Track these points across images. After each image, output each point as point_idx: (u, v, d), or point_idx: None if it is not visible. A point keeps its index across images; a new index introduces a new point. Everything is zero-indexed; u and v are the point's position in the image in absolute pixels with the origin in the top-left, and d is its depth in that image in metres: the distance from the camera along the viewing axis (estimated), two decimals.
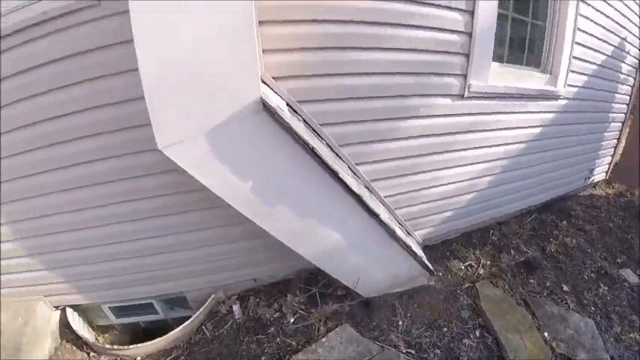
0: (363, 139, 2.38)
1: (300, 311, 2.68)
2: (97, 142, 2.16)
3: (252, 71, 1.71)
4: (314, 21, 2.05)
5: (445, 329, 2.63)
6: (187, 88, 1.66)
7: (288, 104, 2.07)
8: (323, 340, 2.53)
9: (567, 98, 3.29)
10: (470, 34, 2.48)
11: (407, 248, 2.48)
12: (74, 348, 2.84)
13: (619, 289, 3.18)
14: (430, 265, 2.72)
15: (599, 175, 4.46)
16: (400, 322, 2.61)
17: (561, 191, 3.79)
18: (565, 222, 3.61)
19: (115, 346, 2.77)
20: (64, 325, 2.91)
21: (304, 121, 2.14)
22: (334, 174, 2.04)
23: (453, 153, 2.69)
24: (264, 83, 1.95)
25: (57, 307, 2.90)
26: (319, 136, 2.21)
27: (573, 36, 3.08)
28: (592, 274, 3.25)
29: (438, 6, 2.33)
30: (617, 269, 3.34)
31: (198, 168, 1.82)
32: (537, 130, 3.15)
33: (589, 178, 4.19)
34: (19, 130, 2.16)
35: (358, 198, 2.17)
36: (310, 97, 2.18)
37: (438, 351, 2.54)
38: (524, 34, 3.09)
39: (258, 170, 1.93)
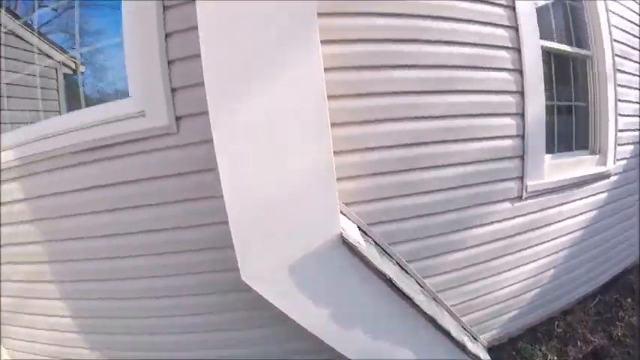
0: (429, 253, 2.38)
1: None
2: (180, 259, 2.23)
3: (333, 209, 1.82)
4: (385, 147, 2.16)
5: None
6: (272, 222, 1.76)
7: (359, 227, 2.14)
8: None
9: (618, 173, 3.23)
10: (522, 137, 2.51)
11: (476, 358, 2.41)
12: None
13: None
14: None
15: None
16: None
17: (622, 267, 3.66)
18: (629, 299, 3.45)
19: None
20: None
21: (374, 242, 2.19)
22: (408, 299, 2.06)
23: (514, 254, 2.64)
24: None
25: None
26: (389, 255, 2.24)
27: (615, 108, 3.07)
28: None
29: (490, 115, 2.39)
30: None
31: (280, 298, 1.88)
32: (593, 213, 3.08)
33: None
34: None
35: (431, 319, 2.16)
36: (380, 219, 2.22)
37: None
38: (570, 118, 3.10)
39: (335, 300, 1.97)
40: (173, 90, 1.99)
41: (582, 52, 3.00)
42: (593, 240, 3.14)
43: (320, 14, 1.71)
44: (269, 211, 1.74)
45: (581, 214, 2.97)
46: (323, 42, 1.71)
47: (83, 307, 2.49)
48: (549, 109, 2.74)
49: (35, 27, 2.44)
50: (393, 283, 1.97)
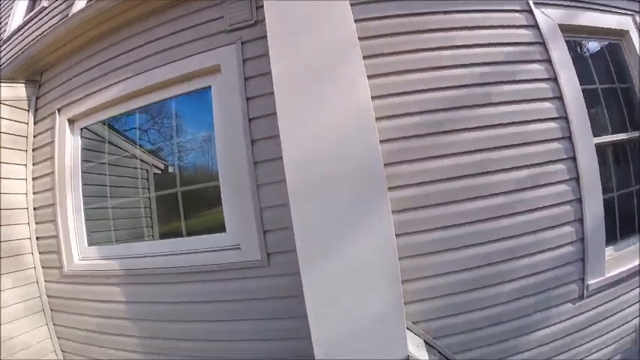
0: (493, 358, 2.57)
1: None
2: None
3: (402, 339, 2.09)
4: (447, 273, 2.42)
5: None
6: (348, 349, 2.07)
7: (425, 341, 2.39)
8: None
9: None
10: (582, 240, 2.64)
11: None
12: None
13: None
14: None
15: None
16: None
17: None
18: None
19: None
20: None
21: (438, 352, 2.42)
22: None
23: (576, 349, 2.76)
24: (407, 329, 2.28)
25: None
26: None
27: None
28: None
29: (550, 227, 2.55)
30: None
31: None
32: None
33: None
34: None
35: None
36: (444, 333, 2.47)
37: None
38: (632, 203, 3.13)
39: None
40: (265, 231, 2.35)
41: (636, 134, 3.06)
42: None
43: None
44: (346, 340, 2.05)
45: None
46: None
47: None
48: (611, 200, 2.86)
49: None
50: None
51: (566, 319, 2.68)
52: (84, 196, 3.11)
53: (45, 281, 3.22)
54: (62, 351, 3.24)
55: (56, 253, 3.13)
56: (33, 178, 3.28)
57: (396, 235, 2.01)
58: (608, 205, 2.79)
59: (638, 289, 2.96)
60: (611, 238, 2.90)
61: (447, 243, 2.39)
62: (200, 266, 2.54)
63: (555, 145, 2.56)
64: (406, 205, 2.36)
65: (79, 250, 3.08)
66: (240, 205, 2.40)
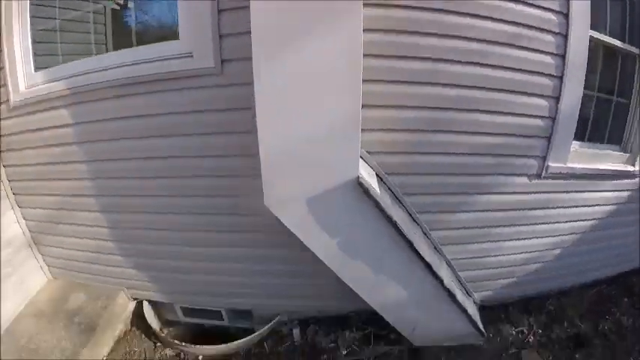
0: (440, 209, 2.63)
1: (353, 346, 2.96)
2: (205, 182, 2.62)
3: (354, 156, 2.08)
4: (409, 107, 2.36)
5: None
6: (298, 159, 2.06)
7: (377, 175, 2.41)
8: None
9: None
10: (553, 119, 2.61)
11: (464, 311, 2.69)
12: (143, 336, 3.25)
13: None
14: (482, 327, 2.89)
15: None
16: None
17: (628, 267, 3.78)
18: (626, 299, 3.59)
19: (183, 343, 3.14)
20: (137, 315, 3.34)
21: (389, 189, 2.44)
22: (410, 243, 2.31)
23: (522, 227, 2.84)
24: (361, 157, 2.26)
25: (135, 299, 3.35)
26: (401, 203, 2.49)
27: None
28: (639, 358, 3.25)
29: (523, 93, 2.50)
30: None
31: (297, 226, 2.23)
32: (610, 207, 3.18)
33: None
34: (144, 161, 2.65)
35: (428, 265, 2.41)
36: (397, 171, 2.48)
37: None
38: (608, 111, 3.15)
39: (344, 232, 2.29)
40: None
41: (633, 49, 3.03)
42: (604, 233, 3.26)
43: None
44: (296, 149, 2.03)
45: (597, 205, 3.08)
46: (365, 4, 1.90)
47: (117, 219, 2.94)
48: (589, 98, 2.84)
49: None
50: (398, 227, 2.23)
51: (519, 193, 2.72)
52: (32, 16, 2.79)
53: None
54: (14, 194, 3.13)
55: (3, 87, 2.83)
56: None
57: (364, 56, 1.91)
58: (586, 100, 2.78)
59: (593, 192, 3.02)
60: (581, 136, 2.92)
61: (415, 75, 2.31)
62: (149, 76, 2.39)
63: (550, 16, 2.47)
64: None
65: (25, 78, 2.79)
66: (195, 8, 2.22)
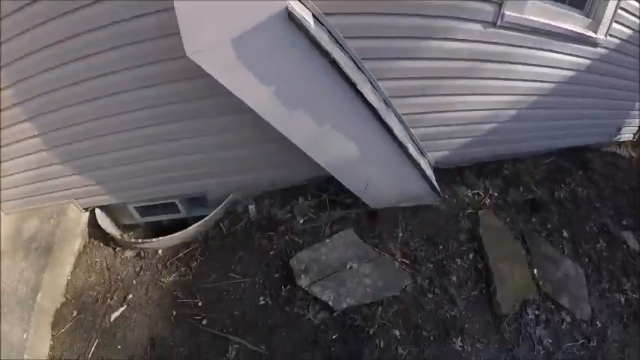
0: (387, 55, 2.45)
1: (310, 214, 2.92)
2: (120, 53, 2.27)
3: None
4: None
5: (441, 247, 2.82)
6: None
7: (314, 15, 2.16)
8: (327, 240, 2.77)
9: (607, 48, 3.16)
10: None
11: (417, 166, 2.62)
12: (101, 245, 3.14)
13: (617, 249, 3.25)
14: (438, 187, 2.86)
15: (627, 135, 4.37)
16: (400, 234, 2.81)
17: (584, 141, 3.78)
18: (581, 172, 3.64)
19: (140, 240, 3.06)
20: (93, 225, 3.20)
21: (329, 32, 2.22)
22: (353, 85, 2.14)
23: (477, 80, 2.71)
24: None
25: (86, 209, 3.18)
26: (343, 48, 2.29)
27: None
28: (594, 228, 3.32)
29: None
30: (620, 230, 3.38)
31: (223, 73, 1.96)
32: (569, 73, 3.09)
33: (615, 135, 4.13)
34: (52, 47, 2.29)
35: (374, 110, 2.28)
36: (337, 10, 2.23)
37: (430, 265, 2.75)
38: None
39: (280, 76, 2.07)
40: None
41: None
42: (561, 100, 3.20)
43: None
44: None
45: (555, 67, 2.99)
46: None
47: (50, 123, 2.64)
48: None
49: None
50: (337, 65, 2.02)
51: (473, 41, 2.56)
52: None
53: None
54: None
55: None
56: None
57: None
58: None
59: (552, 53, 2.89)
60: None
61: None
62: None
63: None
64: None
65: None
66: None
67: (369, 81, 2.46)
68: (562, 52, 2.96)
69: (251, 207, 3.05)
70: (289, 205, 2.97)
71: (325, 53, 2.00)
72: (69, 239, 3.02)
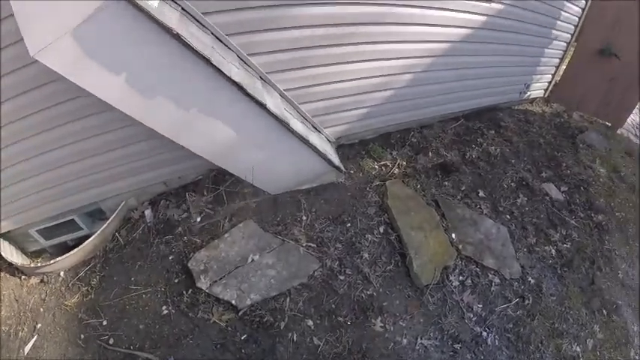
0: (254, 27, 2.15)
1: (207, 210, 2.59)
2: None
3: None
4: None
5: (349, 225, 2.55)
6: None
7: None
8: (225, 235, 2.47)
9: (502, 3, 2.99)
10: None
11: (306, 142, 2.33)
12: (7, 275, 2.77)
13: (539, 202, 3.10)
14: (338, 162, 2.59)
15: (537, 91, 4.26)
16: (304, 218, 2.52)
17: (492, 101, 3.60)
18: (493, 132, 3.46)
19: (40, 264, 2.69)
20: None
21: (183, 9, 1.92)
22: (207, 61, 1.83)
23: (359, 46, 2.46)
24: None
25: None
26: (202, 25, 1.99)
27: None
28: (512, 184, 3.16)
29: None
30: (539, 183, 3.25)
31: (71, 70, 1.66)
32: (465, 31, 2.89)
33: (525, 92, 4.00)
34: None
35: (239, 86, 1.96)
36: None
37: (339, 245, 2.47)
38: None
39: (128, 63, 1.76)
40: None
41: None
42: (461, 60, 2.99)
43: None
44: None
45: (448, 26, 2.77)
46: None
47: None
48: None
49: None
50: (183, 40, 1.72)
51: (345, 4, 2.30)
52: None
53: None
54: None
55: None
56: None
57: None
58: None
59: (437, 10, 2.66)
60: None
61: None
62: None
63: None
64: None
65: None
66: None
67: (238, 57, 2.14)
68: (452, 10, 2.74)
69: (147, 212, 2.68)
70: (185, 203, 2.63)
71: (168, 29, 1.68)
72: None
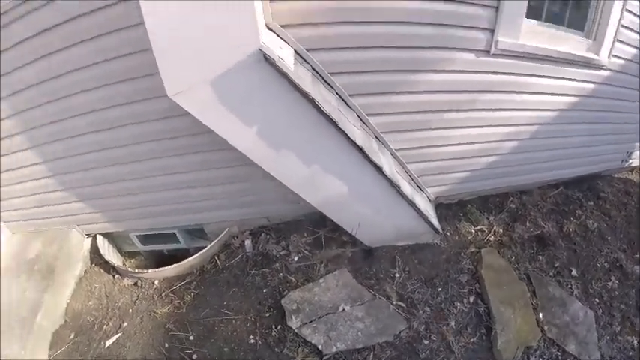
0: (376, 90, 2.17)
1: (305, 251, 2.62)
2: (113, 90, 2.12)
3: (252, 22, 1.57)
4: None
5: (440, 289, 2.44)
6: (190, 38, 1.57)
7: (296, 52, 1.92)
8: (320, 280, 2.47)
9: (611, 70, 2.76)
10: None
11: (412, 204, 2.29)
12: (102, 271, 2.99)
13: (630, 287, 2.79)
14: (437, 224, 2.50)
15: (638, 160, 3.84)
16: (397, 275, 2.45)
17: (594, 169, 3.31)
18: (591, 203, 3.16)
19: (137, 270, 2.89)
20: (95, 251, 3.06)
21: (313, 69, 1.98)
22: (335, 124, 1.87)
23: (474, 112, 2.39)
24: (271, 31, 1.83)
25: (89, 235, 3.04)
26: (329, 84, 2.05)
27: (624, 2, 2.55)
28: (605, 264, 2.87)
29: None
30: (632, 265, 2.92)
31: (204, 113, 1.77)
32: (572, 99, 2.70)
33: (626, 161, 3.62)
34: (49, 82, 2.17)
35: (360, 150, 1.99)
36: (321, 45, 1.98)
37: (428, 309, 2.37)
38: None
39: (261, 117, 1.84)
40: None
41: None
42: (566, 128, 2.79)
43: None
44: (188, 27, 1.54)
45: (557, 94, 2.61)
46: None
47: (54, 152, 2.50)
48: None
49: None
50: (317, 105, 1.77)
51: (465, 72, 2.25)
52: None
53: None
54: None
55: None
56: None
57: None
58: None
59: (553, 79, 2.51)
60: (538, 14, 2.39)
61: None
62: None
63: None
64: None
65: None
66: None
67: (359, 117, 2.16)
68: (563, 78, 2.59)
69: (247, 242, 2.77)
70: (285, 241, 2.68)
71: (304, 94, 1.75)
72: (71, 263, 2.88)
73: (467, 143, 2.50)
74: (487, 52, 2.22)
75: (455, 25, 2.09)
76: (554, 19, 2.52)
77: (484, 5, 2.09)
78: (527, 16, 2.26)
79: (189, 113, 1.73)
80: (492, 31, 2.17)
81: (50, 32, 1.97)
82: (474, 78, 2.27)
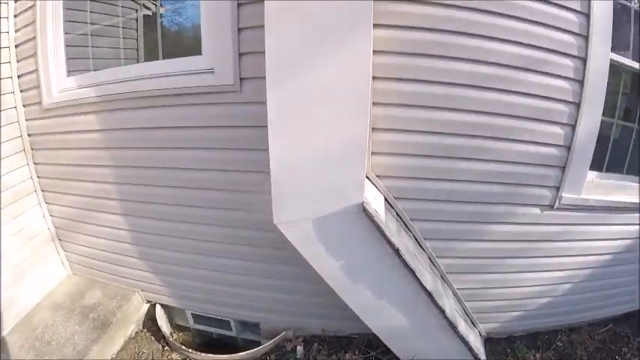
0: (448, 236, 2.30)
1: None
2: (222, 195, 2.37)
3: (359, 182, 1.82)
4: (418, 132, 2.06)
5: None
6: (306, 180, 1.80)
7: (385, 199, 2.12)
8: None
9: None
10: (568, 148, 2.22)
11: (466, 343, 2.30)
12: (152, 338, 3.00)
13: None
14: None
15: None
16: None
17: None
18: (638, 339, 3.02)
19: (190, 350, 2.89)
20: (150, 317, 3.12)
21: (397, 213, 2.16)
22: (412, 272, 1.99)
23: (533, 259, 2.44)
24: (368, 179, 2.03)
25: (149, 301, 3.13)
26: (408, 228, 2.21)
27: None
28: None
29: (537, 120, 2.12)
30: None
31: (303, 244, 1.96)
32: (626, 242, 2.69)
33: None
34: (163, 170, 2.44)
35: (429, 294, 2.08)
36: (406, 196, 2.18)
37: None
38: (629, 140, 2.65)
39: (349, 255, 2.00)
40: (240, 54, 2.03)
41: None
42: (618, 269, 2.75)
43: None
44: (306, 169, 1.78)
45: (614, 239, 2.62)
46: (376, 25, 1.69)
47: (137, 223, 2.72)
48: (608, 126, 2.43)
49: None
50: (400, 255, 1.93)
51: (530, 224, 2.34)
52: (65, 21, 2.58)
53: (25, 120, 2.77)
54: (42, 190, 2.95)
55: (37, 89, 2.62)
56: (14, 15, 2.67)
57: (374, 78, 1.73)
58: (604, 128, 2.33)
59: (610, 226, 2.53)
60: (598, 166, 2.46)
61: (426, 99, 2.00)
62: (169, 89, 2.19)
63: (569, 38, 2.06)
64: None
65: (57, 82, 2.58)
66: (217, 25, 2.00)
67: (429, 258, 2.29)
68: (618, 224, 2.59)
69: (299, 348, 2.79)
70: (336, 355, 2.69)
71: (391, 244, 1.91)
72: (125, 323, 2.93)
73: (523, 286, 2.53)
74: (551, 207, 2.30)
75: (524, 184, 2.21)
76: (615, 164, 2.58)
77: (553, 166, 2.21)
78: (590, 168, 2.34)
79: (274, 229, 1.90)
80: (558, 188, 2.26)
81: None
82: (536, 229, 2.35)
